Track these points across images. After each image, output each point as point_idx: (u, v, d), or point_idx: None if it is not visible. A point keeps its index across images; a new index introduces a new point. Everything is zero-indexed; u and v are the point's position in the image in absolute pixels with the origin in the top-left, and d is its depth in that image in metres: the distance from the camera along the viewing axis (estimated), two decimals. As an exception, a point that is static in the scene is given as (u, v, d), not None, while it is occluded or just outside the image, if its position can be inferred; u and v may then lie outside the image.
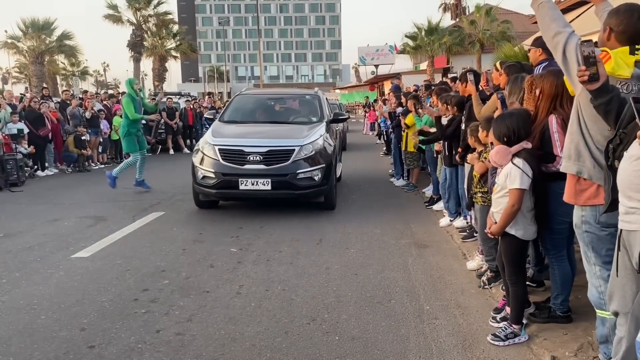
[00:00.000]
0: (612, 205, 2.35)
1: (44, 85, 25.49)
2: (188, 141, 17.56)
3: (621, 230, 2.27)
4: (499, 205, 3.35)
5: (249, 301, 4.20)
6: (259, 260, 5.26)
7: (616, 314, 2.46)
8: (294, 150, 7.07)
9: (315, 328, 3.70)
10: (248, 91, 10.13)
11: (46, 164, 12.32)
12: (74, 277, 4.79)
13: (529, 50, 4.56)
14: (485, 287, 4.44)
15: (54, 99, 15.60)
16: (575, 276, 3.73)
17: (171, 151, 16.77)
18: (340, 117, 9.25)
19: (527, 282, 4.17)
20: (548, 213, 3.46)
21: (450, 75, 24.85)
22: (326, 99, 9.70)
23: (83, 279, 4.74)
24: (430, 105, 7.35)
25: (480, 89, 5.56)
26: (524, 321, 3.56)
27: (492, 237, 3.54)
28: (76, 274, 4.89)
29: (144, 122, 16.52)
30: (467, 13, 40.96)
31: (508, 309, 3.62)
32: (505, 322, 3.57)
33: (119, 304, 4.14)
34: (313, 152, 7.15)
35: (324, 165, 7.19)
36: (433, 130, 7.01)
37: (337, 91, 66.06)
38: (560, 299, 3.65)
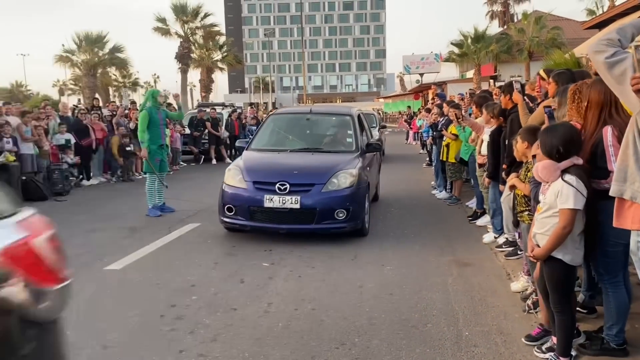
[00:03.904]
0: None
1: (95, 96, 26.40)
2: (228, 151, 17.56)
3: None
4: (545, 226, 3.05)
5: (277, 321, 4.02)
6: (290, 277, 5.09)
7: None
8: None
9: (344, 353, 3.49)
10: None
11: (91, 174, 12.59)
12: (104, 290, 4.75)
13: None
14: (530, 311, 4.11)
15: (104, 110, 15.87)
16: (631, 303, 3.39)
17: (214, 161, 16.84)
18: None
19: (578, 309, 3.85)
20: (601, 235, 3.15)
21: (497, 84, 24.20)
22: None
23: (112, 292, 4.70)
24: (470, 115, 7.04)
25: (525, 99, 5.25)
26: (573, 353, 3.24)
27: (534, 261, 3.24)
28: (107, 287, 4.86)
29: (187, 132, 16.91)
30: (515, 20, 40.03)
31: (554, 339, 3.31)
32: (552, 353, 3.27)
33: (145, 321, 4.04)
34: None
35: None
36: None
37: (381, 100, 65.72)
38: (615, 329, 3.31)
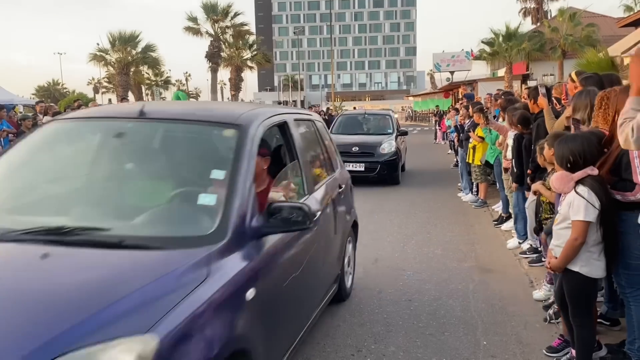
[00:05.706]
0: None
1: (122, 95, 26.98)
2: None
3: None
4: (560, 237, 3.00)
5: (295, 325, 4.05)
6: (310, 280, 5.11)
7: None
8: None
9: (359, 360, 3.50)
10: None
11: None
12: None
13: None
14: (551, 321, 4.04)
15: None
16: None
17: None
18: None
19: (600, 320, 3.77)
20: (623, 246, 3.07)
21: (529, 83, 23.71)
22: None
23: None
24: (495, 118, 6.94)
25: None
26: (593, 367, 3.18)
27: (552, 272, 3.19)
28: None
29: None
30: (550, 17, 39.20)
31: (573, 352, 3.25)
32: (571, 367, 3.21)
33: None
34: None
35: None
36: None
37: (411, 98, 65.24)
38: (637, 344, 3.22)
